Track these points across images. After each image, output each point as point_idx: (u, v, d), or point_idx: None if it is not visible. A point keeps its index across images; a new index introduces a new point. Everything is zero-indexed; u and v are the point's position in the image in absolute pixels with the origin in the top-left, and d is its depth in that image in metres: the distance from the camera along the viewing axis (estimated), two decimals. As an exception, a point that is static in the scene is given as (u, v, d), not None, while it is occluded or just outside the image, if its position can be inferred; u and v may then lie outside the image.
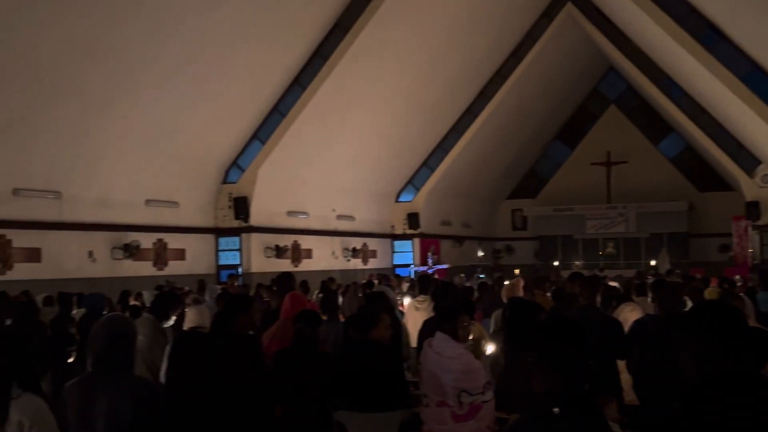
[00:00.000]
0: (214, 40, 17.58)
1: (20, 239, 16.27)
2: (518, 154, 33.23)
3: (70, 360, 6.24)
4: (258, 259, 22.01)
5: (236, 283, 15.16)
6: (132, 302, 11.49)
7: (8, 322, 7.93)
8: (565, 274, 17.94)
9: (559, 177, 35.51)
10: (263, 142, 21.49)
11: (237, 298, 5.68)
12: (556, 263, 30.16)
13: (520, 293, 8.76)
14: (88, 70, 15.56)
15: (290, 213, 23.21)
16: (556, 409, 2.48)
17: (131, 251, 18.67)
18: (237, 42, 18.16)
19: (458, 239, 31.67)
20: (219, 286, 14.83)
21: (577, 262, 31.01)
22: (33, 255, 16.56)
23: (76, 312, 10.19)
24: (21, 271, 16.06)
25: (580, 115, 34.94)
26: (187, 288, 14.70)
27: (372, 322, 5.45)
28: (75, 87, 15.64)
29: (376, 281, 15.30)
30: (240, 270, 21.18)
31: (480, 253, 31.67)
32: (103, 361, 3.63)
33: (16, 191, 15.92)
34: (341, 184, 24.80)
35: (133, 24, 15.51)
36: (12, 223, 15.94)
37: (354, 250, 26.35)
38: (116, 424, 3.43)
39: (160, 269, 19.69)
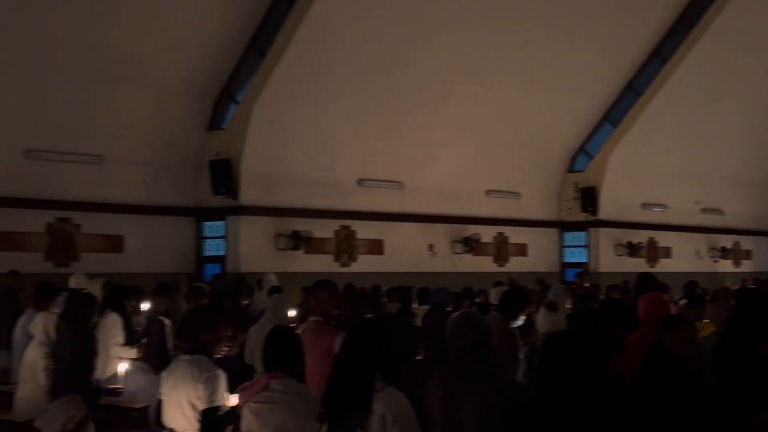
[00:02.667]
0: (557, 15, 17.56)
1: (364, 231, 17.74)
2: None
3: (418, 357, 6.64)
4: (607, 257, 21.56)
5: (585, 284, 14.99)
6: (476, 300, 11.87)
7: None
8: None
9: None
10: (614, 126, 20.99)
11: (615, 304, 5.54)
12: None
13: None
14: (423, 59, 16.46)
15: (645, 205, 22.37)
16: None
17: (471, 245, 19.38)
18: (584, 14, 17.95)
19: None
20: (563, 286, 14.78)
21: None
22: (376, 247, 17.97)
23: (417, 307, 10.80)
24: (364, 264, 17.51)
25: None
26: (530, 286, 14.87)
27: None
28: (412, 78, 16.65)
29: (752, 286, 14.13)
30: (586, 268, 20.92)
31: None
32: (466, 360, 3.78)
33: (360, 182, 17.39)
34: (707, 172, 23.29)
35: (468, 7, 16.11)
36: (357, 214, 17.43)
37: (723, 249, 24.68)
38: (487, 426, 3.55)
39: (501, 265, 20.18)
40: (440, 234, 19.10)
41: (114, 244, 15.01)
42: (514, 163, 20.02)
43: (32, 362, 7.08)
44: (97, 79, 13.96)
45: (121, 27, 13.77)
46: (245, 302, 10.70)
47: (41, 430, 3.98)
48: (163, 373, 4.84)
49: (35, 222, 14.07)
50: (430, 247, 18.96)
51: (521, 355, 7.24)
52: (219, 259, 16.30)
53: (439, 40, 16.45)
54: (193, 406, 4.47)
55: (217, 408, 4.47)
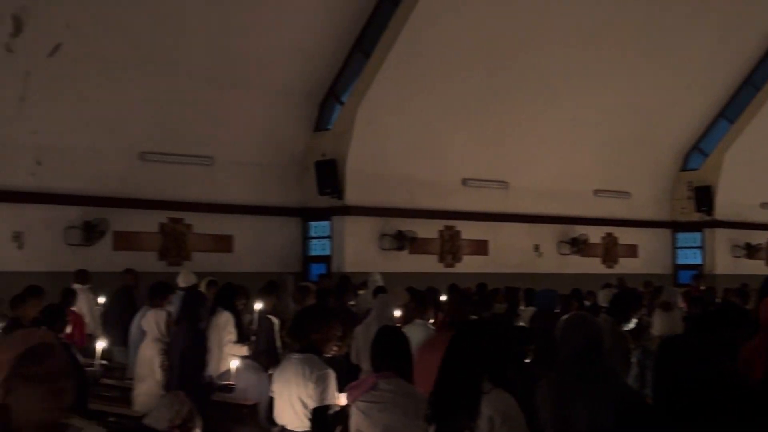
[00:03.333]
0: (671, 6, 17.13)
1: (469, 231, 17.73)
2: None
3: (528, 359, 6.61)
4: (723, 259, 20.86)
5: (701, 286, 14.59)
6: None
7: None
8: None
9: None
10: (731, 122, 20.30)
11: (734, 308, 5.39)
12: None
13: None
14: (529, 57, 16.32)
15: (765, 205, 21.53)
16: None
17: (579, 246, 19.11)
18: (697, 6, 17.44)
19: None
20: (676, 288, 14.43)
21: None
22: (480, 247, 17.93)
23: (523, 309, 10.73)
24: (469, 264, 17.50)
25: None
26: (641, 288, 14.55)
27: None
28: (519, 76, 16.53)
29: None
30: (701, 271, 20.30)
31: None
32: (577, 362, 3.77)
33: (465, 181, 17.39)
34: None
35: (575, 2, 15.90)
36: (462, 214, 17.44)
37: None
38: (599, 430, 3.53)
39: (610, 267, 19.82)
40: (546, 234, 18.91)
41: (224, 243, 15.49)
42: (624, 162, 19.60)
43: (148, 358, 7.40)
44: (208, 83, 14.42)
45: (230, 31, 14.19)
46: (351, 302, 10.87)
47: (151, 426, 4.16)
48: (275, 371, 4.99)
49: (149, 222, 14.64)
50: (536, 247, 18.80)
51: (633, 359, 7.12)
52: (324, 259, 16.59)
53: (547, 36, 16.29)
54: (304, 404, 4.59)
55: (327, 407, 4.58)
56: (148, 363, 7.35)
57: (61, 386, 2.56)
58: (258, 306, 9.42)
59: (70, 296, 10.09)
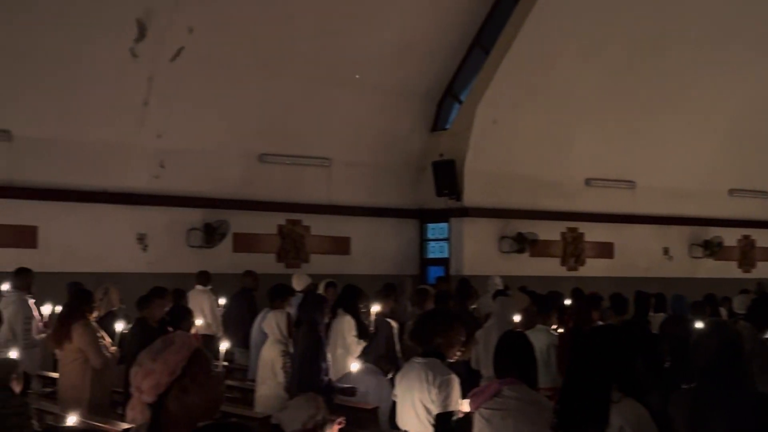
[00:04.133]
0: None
1: (593, 233, 17.40)
2: None
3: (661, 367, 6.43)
4: None
5: None
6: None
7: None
8: None
9: None
10: None
11: None
12: None
13: None
14: (658, 52, 15.86)
15: None
16: None
17: (712, 249, 18.47)
18: None
19: None
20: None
21: None
22: (605, 250, 17.56)
23: (653, 315, 10.45)
24: (593, 268, 17.17)
25: None
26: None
27: None
28: (647, 72, 16.09)
29: None
30: None
31: None
32: (715, 371, 3.66)
33: (589, 181, 17.07)
34: None
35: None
36: (585, 215, 17.13)
37: None
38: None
39: (747, 271, 19.09)
40: (676, 237, 18.35)
41: (341, 245, 15.71)
42: (762, 159, 18.80)
43: (270, 360, 7.59)
44: (325, 84, 14.65)
45: (347, 30, 14.38)
46: (472, 306, 10.84)
47: (281, 424, 4.26)
48: (395, 375, 5.04)
49: (268, 224, 15.00)
50: (666, 250, 18.26)
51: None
52: (442, 262, 16.60)
53: (676, 28, 15.80)
54: (427, 410, 4.62)
55: (451, 413, 4.59)
56: (270, 365, 7.54)
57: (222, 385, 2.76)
58: (375, 309, 9.52)
59: (182, 297, 10.42)
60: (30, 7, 11.80)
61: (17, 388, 5.97)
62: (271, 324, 7.76)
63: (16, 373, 6.00)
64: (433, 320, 4.95)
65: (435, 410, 4.58)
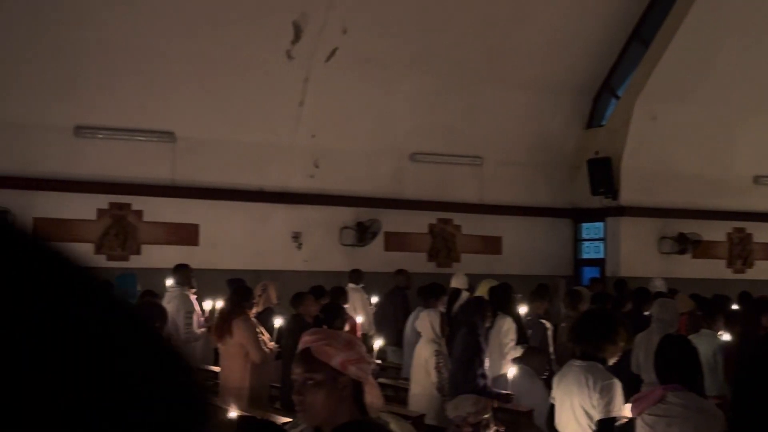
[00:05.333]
0: None
1: (762, 233, 16.61)
2: None
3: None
4: None
5: None
6: None
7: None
8: None
9: None
10: None
11: None
12: None
13: None
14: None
15: None
16: None
17: None
18: None
19: None
20: None
21: None
22: (776, 251, 16.78)
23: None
24: (762, 270, 16.39)
25: None
26: None
27: None
28: None
29: None
30: None
31: None
32: None
33: (758, 179, 16.31)
34: None
35: None
36: (754, 215, 16.38)
37: None
38: None
39: None
40: None
41: (493, 245, 15.68)
42: None
43: (423, 360, 7.68)
44: (475, 81, 14.65)
45: (498, 26, 14.30)
46: (630, 308, 10.57)
47: (446, 411, 4.34)
48: (554, 378, 5.01)
49: (419, 223, 15.15)
50: (842, 252, 17.21)
51: None
52: (597, 263, 16.27)
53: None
54: (588, 415, 4.56)
55: (614, 419, 4.52)
56: (423, 364, 7.62)
57: None
58: (525, 310, 9.47)
59: (341, 295, 10.66)
60: (190, 14, 12.39)
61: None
62: (424, 323, 7.83)
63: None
64: (595, 322, 4.87)
65: (597, 416, 4.51)
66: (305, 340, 2.76)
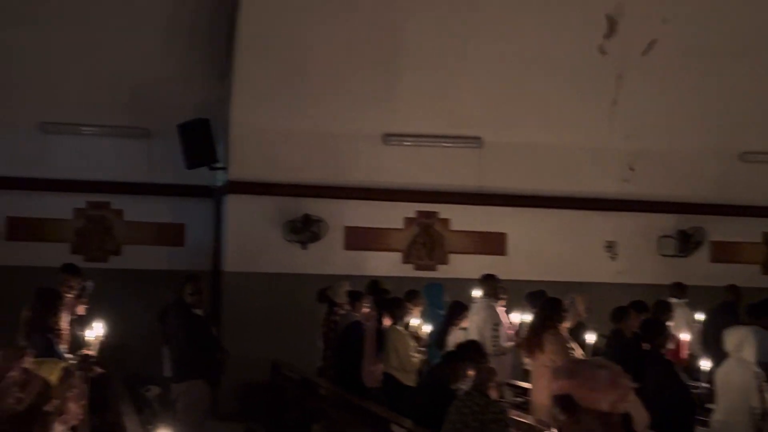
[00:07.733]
0: None
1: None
2: None
3: None
4: None
5: None
6: None
7: None
8: None
9: None
10: None
11: None
12: None
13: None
14: None
15: None
16: None
17: None
18: None
19: None
20: None
21: None
22: None
23: None
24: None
25: None
26: None
27: None
28: None
29: None
30: None
31: None
32: None
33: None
34: None
35: None
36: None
37: None
38: None
39: None
40: None
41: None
42: None
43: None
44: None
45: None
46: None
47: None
48: None
49: (751, 231, 14.10)
50: None
51: None
52: None
53: None
54: None
55: None
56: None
57: None
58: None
59: (666, 310, 10.03)
60: (491, 14, 12.19)
61: (495, 394, 6.18)
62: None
63: (494, 380, 6.21)
64: None
65: None
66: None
